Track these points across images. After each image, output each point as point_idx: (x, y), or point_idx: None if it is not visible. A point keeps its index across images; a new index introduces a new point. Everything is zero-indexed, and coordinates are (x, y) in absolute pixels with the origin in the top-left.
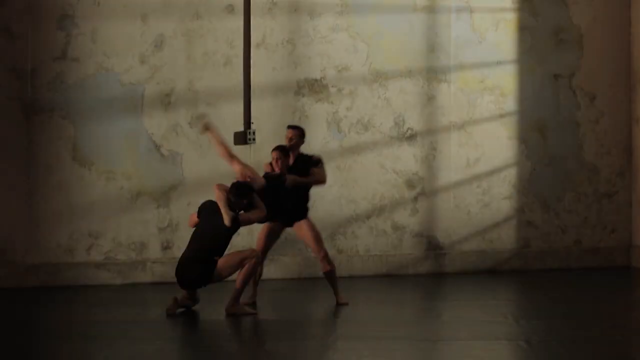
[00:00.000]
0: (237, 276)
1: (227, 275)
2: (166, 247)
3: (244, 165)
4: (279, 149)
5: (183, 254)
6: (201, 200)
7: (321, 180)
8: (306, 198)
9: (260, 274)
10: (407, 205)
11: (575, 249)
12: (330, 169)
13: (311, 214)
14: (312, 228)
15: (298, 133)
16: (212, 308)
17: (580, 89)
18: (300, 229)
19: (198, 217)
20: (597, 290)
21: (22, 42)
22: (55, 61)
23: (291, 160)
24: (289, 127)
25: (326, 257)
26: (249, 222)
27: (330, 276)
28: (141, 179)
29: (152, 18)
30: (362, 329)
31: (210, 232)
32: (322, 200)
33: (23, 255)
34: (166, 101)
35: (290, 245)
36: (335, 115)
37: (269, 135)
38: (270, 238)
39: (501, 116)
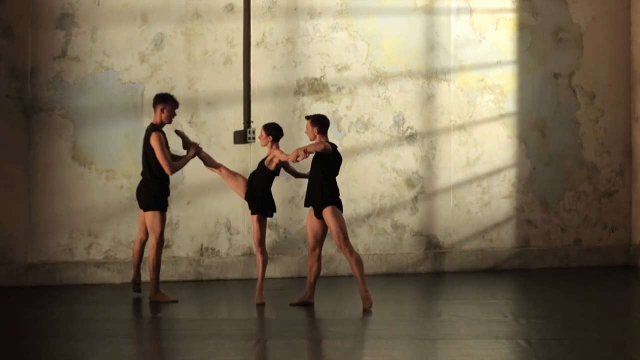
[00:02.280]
0: (148, 266)
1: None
2: (166, 246)
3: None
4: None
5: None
6: (201, 200)
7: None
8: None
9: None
10: (407, 205)
11: (575, 248)
12: None
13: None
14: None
15: (309, 122)
16: (212, 308)
17: (580, 88)
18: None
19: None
20: (597, 289)
21: (22, 42)
22: (55, 60)
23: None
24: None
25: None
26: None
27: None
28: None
29: (152, 17)
30: (362, 328)
31: None
32: None
33: (23, 254)
34: None
35: (290, 244)
36: (335, 114)
37: None
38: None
39: (501, 115)
